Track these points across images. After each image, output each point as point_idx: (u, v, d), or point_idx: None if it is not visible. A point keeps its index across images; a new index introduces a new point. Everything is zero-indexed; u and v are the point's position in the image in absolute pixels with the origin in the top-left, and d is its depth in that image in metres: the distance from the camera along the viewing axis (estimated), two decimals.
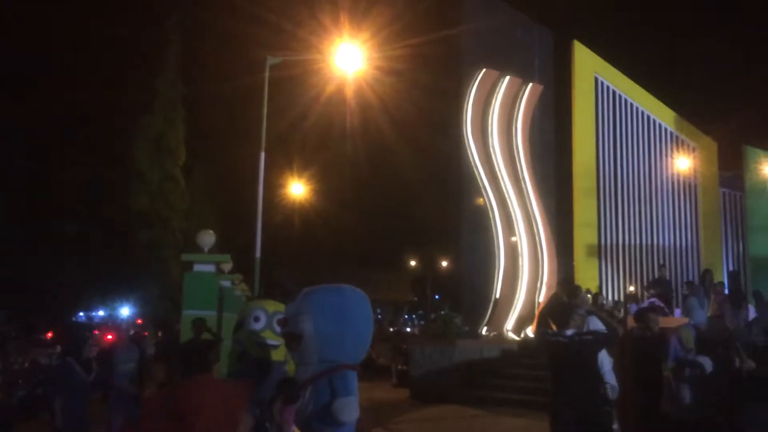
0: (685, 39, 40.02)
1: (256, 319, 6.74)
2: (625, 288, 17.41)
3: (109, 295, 30.89)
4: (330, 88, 18.84)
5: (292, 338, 4.95)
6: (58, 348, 13.41)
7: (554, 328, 5.17)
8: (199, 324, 8.32)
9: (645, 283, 16.94)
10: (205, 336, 8.34)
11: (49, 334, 18.70)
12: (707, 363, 5.70)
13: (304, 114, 25.03)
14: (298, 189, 28.13)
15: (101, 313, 34.75)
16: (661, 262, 17.49)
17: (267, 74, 15.50)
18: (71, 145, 29.62)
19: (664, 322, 9.83)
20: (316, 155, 33.11)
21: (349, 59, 15.55)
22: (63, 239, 29.00)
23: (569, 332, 5.02)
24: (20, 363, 13.46)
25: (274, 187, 26.57)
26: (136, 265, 27.71)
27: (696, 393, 5.73)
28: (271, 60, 15.58)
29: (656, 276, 16.01)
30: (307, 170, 30.43)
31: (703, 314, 11.18)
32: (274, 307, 6.84)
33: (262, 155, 15.50)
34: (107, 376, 7.36)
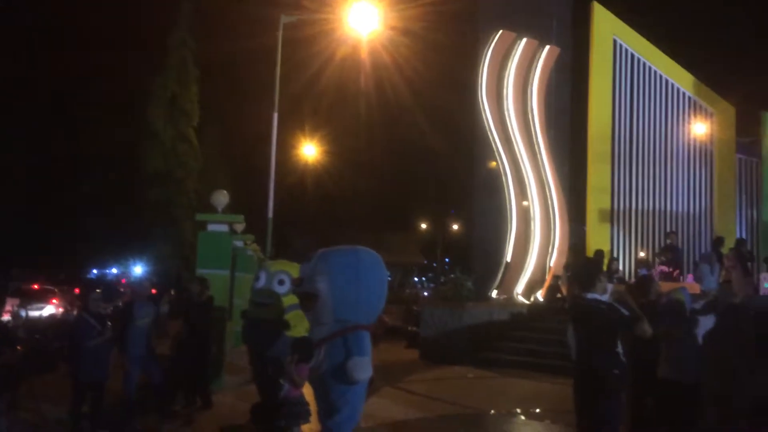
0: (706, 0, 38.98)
1: (257, 279, 6.89)
2: (636, 253, 17.40)
3: (123, 253, 31.28)
4: (345, 48, 18.65)
5: (308, 298, 5.02)
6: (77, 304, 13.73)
7: (572, 290, 5.17)
8: (201, 283, 8.54)
9: (657, 250, 16.92)
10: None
11: (77, 290, 19.33)
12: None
13: (318, 75, 24.80)
14: (311, 150, 28.07)
15: (114, 270, 35.20)
16: (673, 228, 17.41)
17: (281, 33, 15.35)
18: (88, 104, 29.63)
19: (677, 286, 9.84)
20: (329, 116, 32.96)
21: (364, 19, 15.34)
22: (79, 197, 29.25)
23: (590, 296, 4.94)
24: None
25: (287, 148, 26.56)
26: (149, 224, 27.99)
27: (695, 358, 5.75)
28: (285, 19, 15.41)
29: (666, 243, 15.98)
30: (321, 131, 30.36)
31: (713, 281, 11.26)
32: (278, 266, 6.96)
33: (275, 116, 15.46)
34: (123, 331, 7.51)
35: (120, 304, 9.13)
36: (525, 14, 16.38)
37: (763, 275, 12.04)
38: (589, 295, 4.90)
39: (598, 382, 4.71)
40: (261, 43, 17.66)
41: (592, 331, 4.86)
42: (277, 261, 7.41)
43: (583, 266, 5.71)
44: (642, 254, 17.36)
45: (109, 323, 7.19)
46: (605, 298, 4.96)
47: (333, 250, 5.17)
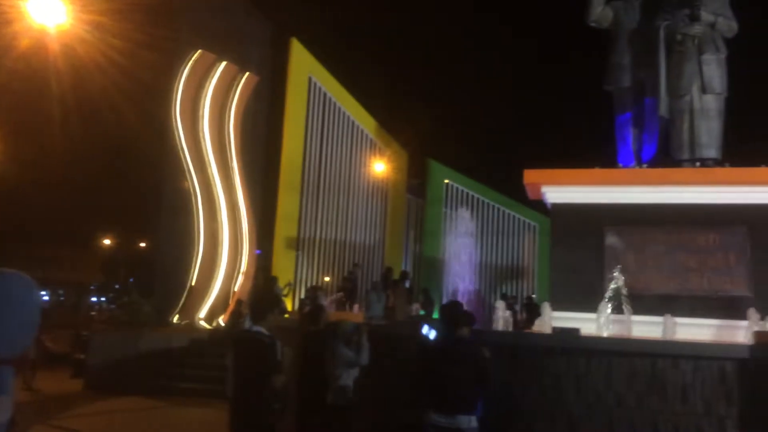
0: (392, 51, 43.75)
1: None
2: (319, 280, 18.40)
3: None
4: (23, 42, 16.47)
5: None
6: None
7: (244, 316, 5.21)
8: None
9: (339, 277, 18.11)
10: None
11: None
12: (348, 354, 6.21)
13: None
14: None
15: None
16: (354, 258, 18.91)
17: None
18: None
19: (346, 316, 10.66)
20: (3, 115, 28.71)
21: (47, 11, 13.79)
22: None
23: (256, 328, 5.04)
24: None
25: None
26: None
27: (350, 381, 6.25)
28: None
29: (349, 271, 17.21)
30: None
31: (379, 308, 12.43)
32: None
33: None
34: None
35: None
36: (227, 38, 16.47)
37: (415, 305, 13.66)
38: (255, 328, 5.03)
39: (256, 416, 4.80)
40: None
41: (253, 363, 4.95)
42: None
43: (258, 299, 5.85)
44: (327, 278, 18.43)
45: None
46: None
47: None
